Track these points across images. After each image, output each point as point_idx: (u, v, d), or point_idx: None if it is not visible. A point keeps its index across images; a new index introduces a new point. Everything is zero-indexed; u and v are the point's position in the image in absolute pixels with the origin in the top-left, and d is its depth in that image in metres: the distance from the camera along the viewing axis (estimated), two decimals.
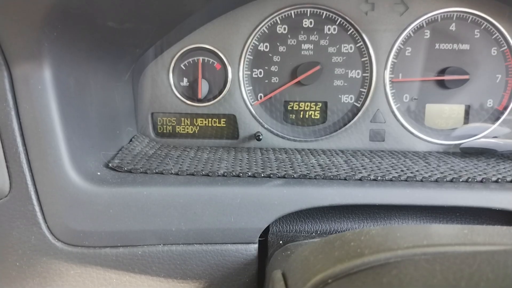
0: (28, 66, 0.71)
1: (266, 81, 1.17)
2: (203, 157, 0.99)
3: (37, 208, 0.76)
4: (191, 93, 1.17)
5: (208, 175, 0.86)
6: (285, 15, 1.14)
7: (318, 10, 1.13)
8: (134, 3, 0.80)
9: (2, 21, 0.66)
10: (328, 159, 0.99)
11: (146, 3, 0.82)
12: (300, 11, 1.13)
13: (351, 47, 1.15)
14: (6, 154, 0.74)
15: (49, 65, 0.72)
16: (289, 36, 1.15)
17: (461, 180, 0.86)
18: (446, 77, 1.13)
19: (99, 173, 0.83)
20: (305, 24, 1.14)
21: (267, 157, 1.00)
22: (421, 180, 0.85)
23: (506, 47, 1.14)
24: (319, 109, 1.18)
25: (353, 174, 0.86)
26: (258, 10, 1.13)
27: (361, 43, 1.14)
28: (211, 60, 1.15)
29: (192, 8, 0.98)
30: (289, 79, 1.16)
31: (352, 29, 1.14)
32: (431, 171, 0.90)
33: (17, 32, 0.67)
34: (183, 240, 0.79)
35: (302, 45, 1.15)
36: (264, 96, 1.17)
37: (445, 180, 0.86)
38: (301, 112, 1.19)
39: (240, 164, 0.92)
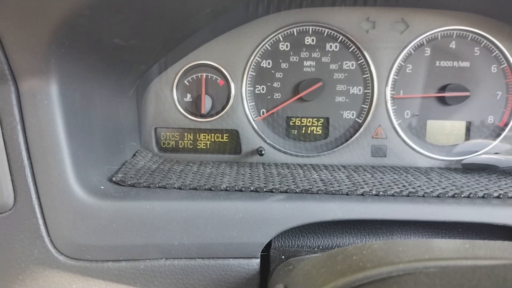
0: (35, 81, 0.72)
1: (269, 97, 1.18)
2: (206, 172, 0.99)
3: (40, 222, 0.76)
4: (194, 108, 1.18)
5: (211, 190, 0.86)
6: (287, 33, 1.16)
7: (320, 28, 1.15)
8: (140, 21, 0.82)
9: (11, 37, 0.68)
10: (330, 174, 1.00)
11: (152, 22, 0.84)
12: (302, 29, 1.15)
13: (352, 64, 1.16)
14: (11, 167, 0.74)
15: (55, 80, 0.73)
16: (291, 53, 1.16)
17: (462, 195, 0.86)
18: (447, 94, 1.14)
19: (102, 187, 0.83)
20: (307, 42, 1.16)
21: (269, 172, 1.01)
22: (423, 196, 0.86)
23: (505, 64, 1.15)
24: (321, 124, 1.19)
25: (355, 189, 0.86)
26: (261, 28, 1.15)
27: (362, 60, 1.16)
28: (215, 76, 1.17)
29: (197, 26, 0.99)
30: (291, 95, 1.17)
31: (353, 47, 1.16)
32: (433, 186, 0.90)
33: (25, 48, 0.69)
34: (185, 255, 0.79)
35: (304, 62, 1.16)
36: (267, 111, 1.19)
37: (447, 195, 0.86)
38: (303, 128, 1.19)
39: (242, 178, 0.93)
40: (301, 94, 1.15)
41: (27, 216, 0.76)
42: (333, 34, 1.15)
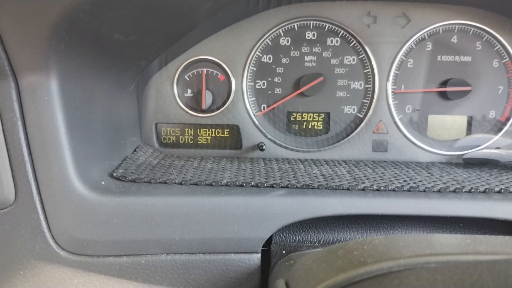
0: (35, 77, 0.72)
1: (269, 92, 1.18)
2: (207, 167, 0.99)
3: (41, 217, 0.77)
4: (195, 103, 1.18)
5: (212, 185, 0.86)
6: (288, 28, 1.15)
7: (321, 23, 1.15)
8: (140, 17, 0.81)
9: (11, 32, 0.68)
10: (331, 169, 1.00)
11: (152, 17, 0.83)
12: (303, 23, 1.15)
13: (353, 59, 1.16)
14: (12, 163, 0.74)
15: (56, 76, 0.73)
16: (292, 48, 1.16)
17: (464, 190, 0.86)
18: (448, 89, 1.14)
19: (103, 183, 0.83)
20: (308, 36, 1.16)
21: (270, 167, 1.01)
22: (424, 191, 0.86)
23: (507, 59, 1.15)
24: (322, 119, 1.19)
25: (356, 184, 0.86)
26: (261, 23, 1.14)
27: (364, 55, 1.15)
28: (215, 71, 1.16)
29: (197, 21, 0.99)
30: (292, 90, 1.17)
31: (354, 41, 1.15)
32: (434, 181, 0.90)
33: (25, 44, 0.69)
34: (186, 250, 0.79)
35: (305, 56, 1.16)
36: (267, 107, 1.18)
37: (448, 190, 0.86)
38: (304, 123, 1.19)
39: (243, 174, 0.93)
40: (302, 89, 1.15)
41: (28, 211, 0.76)
42: (334, 28, 1.15)
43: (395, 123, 1.17)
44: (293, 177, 0.91)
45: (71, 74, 0.77)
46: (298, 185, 0.85)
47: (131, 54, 0.97)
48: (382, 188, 0.85)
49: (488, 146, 1.17)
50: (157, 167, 0.97)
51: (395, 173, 0.97)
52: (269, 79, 1.17)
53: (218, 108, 1.17)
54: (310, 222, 0.88)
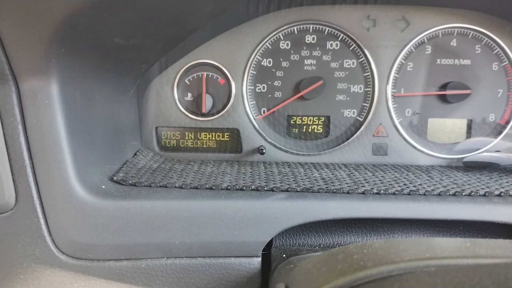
0: (35, 81, 0.72)
1: (269, 95, 1.18)
2: (207, 171, 0.99)
3: (42, 221, 0.77)
4: (195, 107, 1.18)
5: (212, 189, 0.86)
6: (288, 31, 1.15)
7: (321, 27, 1.15)
8: (140, 21, 0.81)
9: (11, 36, 0.68)
10: (331, 173, 1.00)
11: (152, 21, 0.83)
12: (303, 27, 1.15)
13: (353, 62, 1.16)
14: (13, 167, 0.75)
15: (56, 80, 0.73)
16: (292, 51, 1.16)
17: (464, 194, 0.86)
18: (448, 92, 1.14)
19: (103, 187, 0.83)
20: (308, 40, 1.16)
21: (270, 171, 1.01)
22: (424, 194, 0.86)
23: (507, 62, 1.15)
24: (321, 123, 1.19)
25: (356, 188, 0.86)
26: (261, 27, 1.15)
27: (363, 58, 1.16)
28: (215, 75, 1.17)
29: (197, 25, 0.99)
30: (292, 94, 1.17)
31: (354, 45, 1.15)
32: (434, 185, 0.90)
33: (25, 48, 0.69)
34: (187, 253, 0.79)
35: (305, 60, 1.16)
36: (267, 110, 1.19)
37: (448, 194, 0.86)
38: (304, 126, 1.19)
39: (243, 177, 0.93)
40: (302, 93, 1.15)
41: (29, 215, 0.76)
42: (334, 32, 1.15)
43: (395, 126, 1.17)
44: (293, 180, 0.91)
45: (71, 78, 0.78)
46: (298, 189, 0.85)
47: (131, 58, 0.97)
48: (382, 191, 0.85)
49: (488, 149, 1.17)
50: (157, 171, 0.97)
51: (395, 177, 0.97)
52: (269, 82, 1.17)
53: (218, 112, 1.18)
54: (310, 226, 0.88)
